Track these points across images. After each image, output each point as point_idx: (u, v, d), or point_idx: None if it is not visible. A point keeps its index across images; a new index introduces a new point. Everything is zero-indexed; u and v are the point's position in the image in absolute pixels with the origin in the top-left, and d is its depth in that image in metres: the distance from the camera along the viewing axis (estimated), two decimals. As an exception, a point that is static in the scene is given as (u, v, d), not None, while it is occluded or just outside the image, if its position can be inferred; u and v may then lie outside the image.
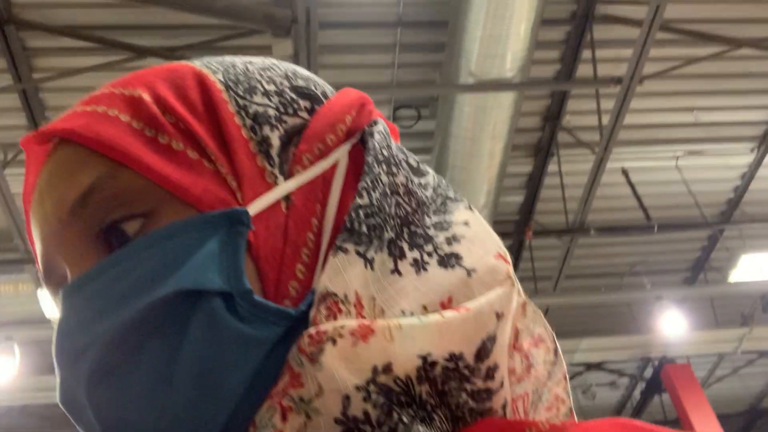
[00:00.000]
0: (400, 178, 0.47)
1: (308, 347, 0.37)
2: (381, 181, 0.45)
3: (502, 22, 3.97)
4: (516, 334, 0.46)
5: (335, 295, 0.39)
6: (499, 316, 0.41)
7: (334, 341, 0.37)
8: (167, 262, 0.40)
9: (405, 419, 0.37)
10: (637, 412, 8.00)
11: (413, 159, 0.51)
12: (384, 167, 0.46)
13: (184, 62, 0.49)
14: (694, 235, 6.74)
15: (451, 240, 0.45)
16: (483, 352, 0.40)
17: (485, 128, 4.59)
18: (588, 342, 6.40)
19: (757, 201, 6.37)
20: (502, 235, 6.02)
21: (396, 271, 0.42)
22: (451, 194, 0.49)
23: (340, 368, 0.37)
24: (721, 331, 6.74)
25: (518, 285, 0.48)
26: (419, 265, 0.43)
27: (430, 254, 0.44)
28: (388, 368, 0.38)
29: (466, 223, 0.46)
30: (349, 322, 0.38)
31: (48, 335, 5.54)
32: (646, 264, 6.92)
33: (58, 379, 0.42)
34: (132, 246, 0.41)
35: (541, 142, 5.75)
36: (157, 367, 0.39)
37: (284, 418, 0.37)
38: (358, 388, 0.37)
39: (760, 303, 6.86)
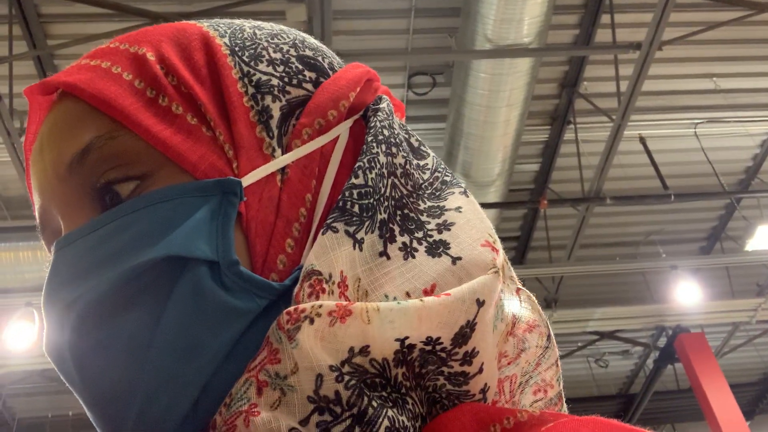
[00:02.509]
0: (399, 159, 0.46)
1: (286, 324, 0.37)
2: (378, 161, 0.44)
3: (519, -13, 3.90)
4: (514, 321, 0.46)
5: (320, 273, 0.39)
6: (480, 304, 0.40)
7: (311, 320, 0.37)
8: (158, 226, 0.40)
9: (375, 403, 0.37)
10: (650, 381, 8.02)
11: (415, 139, 0.51)
12: (383, 147, 0.45)
13: (193, 22, 0.49)
14: (711, 204, 6.68)
15: (442, 227, 0.44)
16: (461, 337, 0.40)
17: (501, 95, 4.55)
18: (602, 311, 6.40)
19: (777, 170, 6.29)
20: (517, 203, 6.01)
21: (384, 254, 0.42)
22: (447, 178, 0.49)
23: (316, 347, 0.37)
24: (737, 300, 6.70)
25: (511, 272, 0.48)
26: (408, 251, 0.43)
27: (419, 241, 0.43)
28: (365, 350, 0.38)
29: (458, 209, 0.46)
30: (327, 302, 0.38)
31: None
32: (661, 233, 6.88)
33: (45, 329, 0.42)
34: (125, 206, 0.41)
35: (557, 109, 5.70)
36: (140, 327, 0.39)
37: (259, 392, 0.37)
38: (331, 368, 0.37)
39: (777, 273, 6.81)
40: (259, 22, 0.51)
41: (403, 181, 0.46)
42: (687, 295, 6.02)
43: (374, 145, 0.45)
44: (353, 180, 0.43)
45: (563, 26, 5.05)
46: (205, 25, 0.48)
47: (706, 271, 6.59)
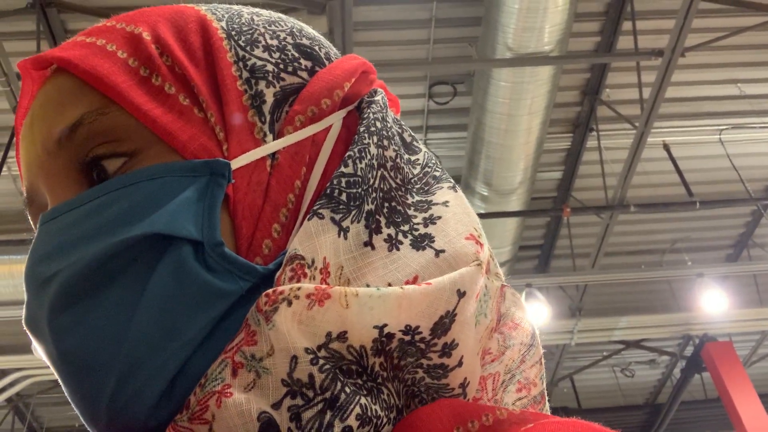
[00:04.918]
0: (390, 153, 0.46)
1: (264, 306, 0.37)
2: (369, 152, 0.44)
3: (539, -5, 3.90)
4: (499, 318, 0.46)
5: (303, 258, 0.39)
6: (461, 294, 0.40)
7: (289, 302, 0.37)
8: (143, 203, 0.40)
9: (348, 389, 0.37)
10: (678, 391, 7.91)
11: (408, 134, 0.51)
12: (375, 139, 0.45)
13: (191, 5, 0.49)
14: (738, 210, 6.60)
15: (428, 221, 0.44)
16: (440, 327, 0.39)
17: (522, 104, 4.54)
18: (627, 319, 6.33)
19: (804, 175, 6.19)
20: (540, 212, 5.98)
21: (369, 244, 0.42)
22: (437, 173, 0.49)
23: (292, 329, 0.37)
24: (765, 308, 6.60)
25: (497, 269, 0.48)
26: (392, 243, 0.43)
27: (405, 234, 0.43)
28: (342, 336, 0.38)
29: (445, 204, 0.46)
30: (306, 285, 0.38)
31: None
32: (687, 240, 6.80)
33: (25, 302, 0.42)
34: (111, 182, 0.41)
35: (579, 116, 5.67)
36: (119, 303, 0.39)
37: (234, 373, 0.37)
38: (307, 350, 0.37)
39: (806, 280, 6.70)
40: (257, 9, 0.51)
41: (392, 174, 0.46)
42: (714, 303, 5.94)
43: (366, 135, 0.45)
44: (342, 169, 0.43)
45: (584, 34, 5.03)
46: (203, 8, 0.48)
47: (733, 278, 6.49)
